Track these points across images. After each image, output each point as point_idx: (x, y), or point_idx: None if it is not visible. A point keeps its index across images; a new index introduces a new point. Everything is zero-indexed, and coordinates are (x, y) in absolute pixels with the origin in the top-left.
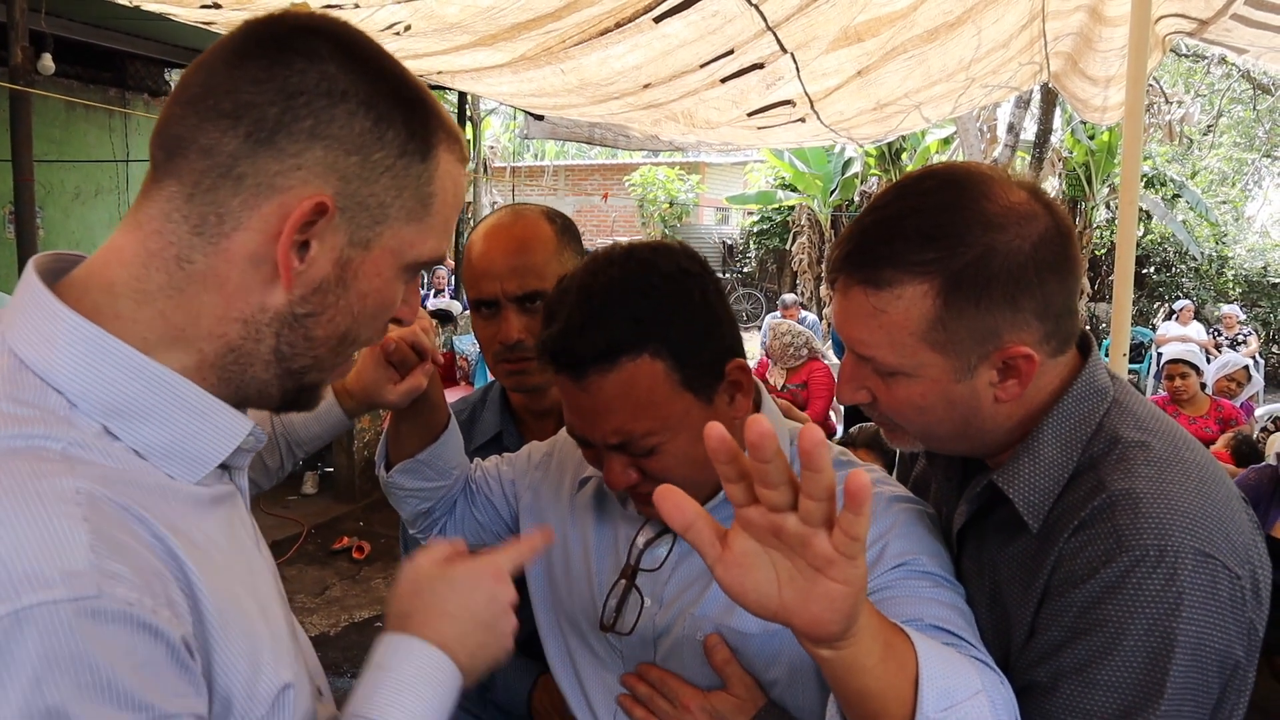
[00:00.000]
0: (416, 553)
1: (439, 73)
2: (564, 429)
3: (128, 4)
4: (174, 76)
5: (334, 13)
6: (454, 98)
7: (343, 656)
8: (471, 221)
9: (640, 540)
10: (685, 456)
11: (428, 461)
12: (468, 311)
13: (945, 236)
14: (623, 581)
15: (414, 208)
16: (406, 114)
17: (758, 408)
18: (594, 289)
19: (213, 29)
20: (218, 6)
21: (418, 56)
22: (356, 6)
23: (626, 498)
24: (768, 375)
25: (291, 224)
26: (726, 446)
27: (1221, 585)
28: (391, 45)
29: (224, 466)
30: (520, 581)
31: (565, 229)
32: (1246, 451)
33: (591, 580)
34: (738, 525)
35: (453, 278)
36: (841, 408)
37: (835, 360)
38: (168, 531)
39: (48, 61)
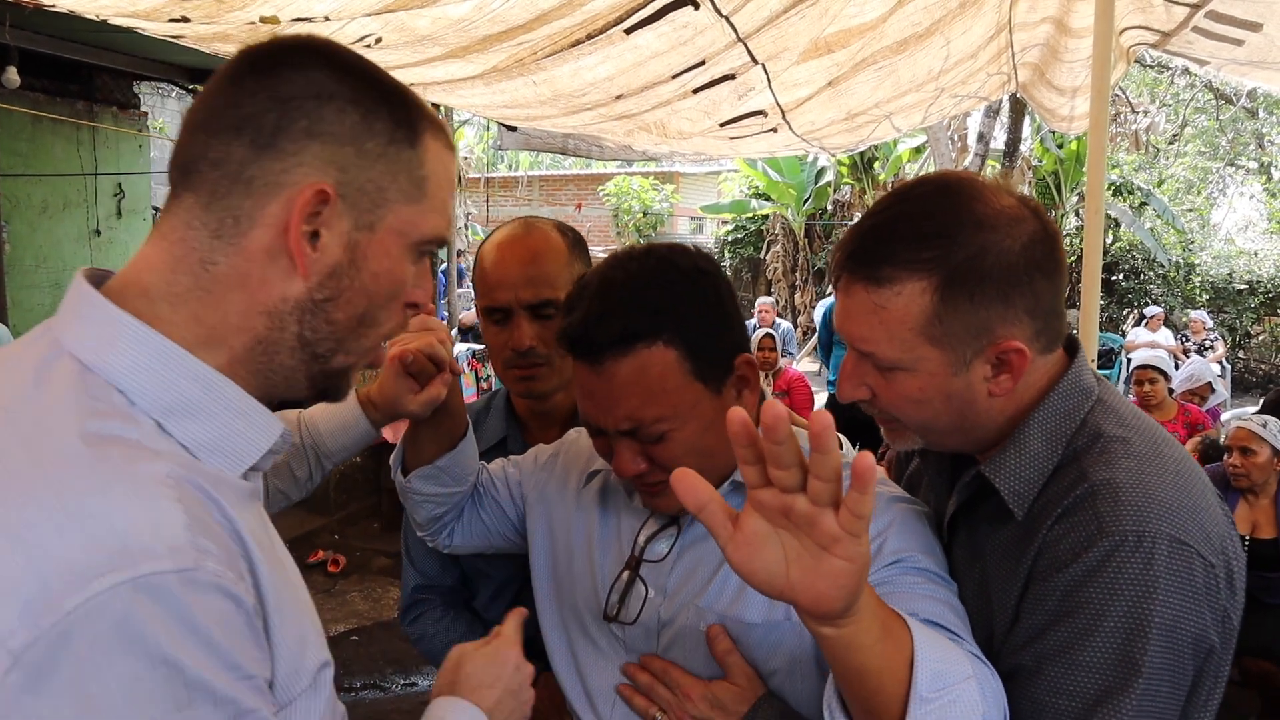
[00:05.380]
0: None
1: (410, 85)
2: (570, 432)
3: (95, 17)
4: (143, 89)
5: (305, 25)
6: None
7: None
8: None
9: (644, 534)
10: (693, 445)
11: (446, 468)
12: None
13: (941, 236)
14: (626, 573)
15: (410, 190)
16: (390, 106)
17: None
18: (614, 281)
19: (181, 42)
20: (186, 20)
21: (389, 69)
22: (327, 19)
23: (633, 490)
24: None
25: (298, 212)
26: (747, 430)
27: (1196, 571)
28: None
29: (251, 467)
30: (524, 579)
31: (576, 242)
32: (1214, 455)
33: (594, 572)
34: (749, 506)
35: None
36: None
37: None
38: (234, 513)
39: (13, 75)
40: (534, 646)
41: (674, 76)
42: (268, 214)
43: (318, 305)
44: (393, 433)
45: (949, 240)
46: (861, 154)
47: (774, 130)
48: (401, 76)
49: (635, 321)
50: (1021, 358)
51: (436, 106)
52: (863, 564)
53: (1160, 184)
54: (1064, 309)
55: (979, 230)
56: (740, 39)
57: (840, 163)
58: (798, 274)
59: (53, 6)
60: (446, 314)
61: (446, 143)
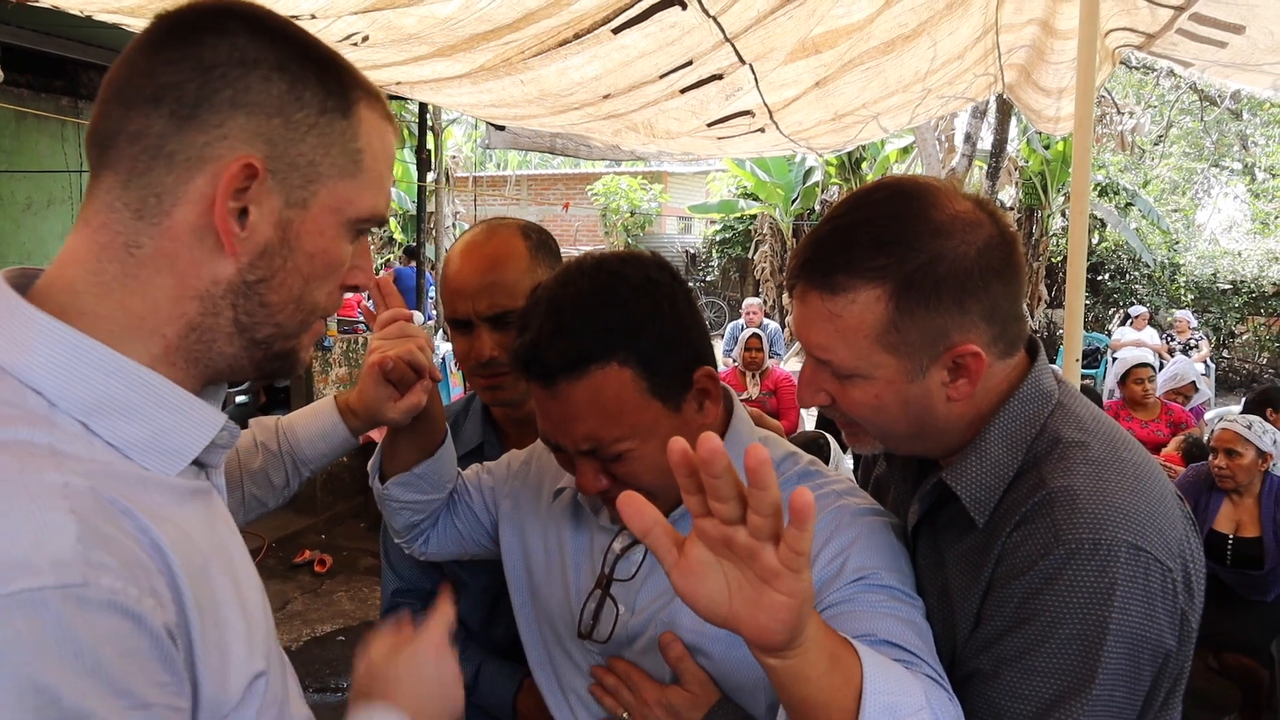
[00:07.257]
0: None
1: (398, 83)
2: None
3: (79, 13)
4: None
5: None
6: (415, 108)
7: (304, 671)
8: (433, 232)
9: (616, 547)
10: (654, 463)
11: (424, 475)
12: (430, 321)
13: (896, 243)
14: (598, 591)
15: (345, 164)
16: (320, 73)
17: (729, 414)
18: (563, 300)
19: None
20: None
21: (376, 67)
22: (314, 17)
23: (600, 506)
24: (745, 384)
25: (223, 188)
26: (687, 460)
27: (1153, 577)
28: (349, 56)
29: (199, 464)
30: (503, 586)
31: (540, 244)
32: (1197, 454)
33: (568, 588)
34: (694, 534)
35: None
36: (817, 412)
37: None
38: (151, 522)
39: None
40: (517, 650)
41: (661, 76)
42: (192, 190)
43: (250, 287)
44: (380, 434)
45: (904, 247)
46: (849, 154)
47: (761, 130)
48: (388, 75)
49: (587, 343)
50: (978, 362)
51: (424, 106)
52: (804, 599)
53: (1145, 184)
54: (1023, 312)
55: (934, 237)
56: (728, 39)
57: (828, 163)
58: (785, 274)
59: (36, 1)
60: (435, 314)
61: (383, 113)
